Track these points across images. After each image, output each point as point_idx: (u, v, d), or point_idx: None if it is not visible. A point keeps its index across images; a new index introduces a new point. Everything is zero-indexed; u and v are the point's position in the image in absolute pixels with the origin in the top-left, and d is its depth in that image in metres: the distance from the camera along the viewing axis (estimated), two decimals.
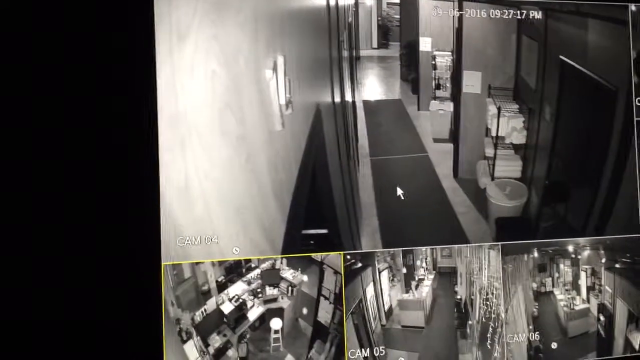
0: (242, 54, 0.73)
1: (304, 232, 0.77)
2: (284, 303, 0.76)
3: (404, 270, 0.81)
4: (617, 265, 0.87)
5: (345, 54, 0.82)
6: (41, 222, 0.67)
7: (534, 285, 0.85)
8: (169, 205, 0.70)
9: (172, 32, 0.70)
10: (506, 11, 0.84)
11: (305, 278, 0.77)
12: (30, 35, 0.68)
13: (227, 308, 0.73)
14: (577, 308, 0.86)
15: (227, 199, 0.72)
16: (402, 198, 0.82)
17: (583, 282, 0.87)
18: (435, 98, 0.86)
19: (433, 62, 0.86)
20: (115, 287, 0.69)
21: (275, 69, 0.74)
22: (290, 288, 0.76)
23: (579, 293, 0.87)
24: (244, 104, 0.73)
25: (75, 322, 0.68)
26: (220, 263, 0.73)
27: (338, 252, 0.78)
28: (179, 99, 0.71)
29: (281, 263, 0.76)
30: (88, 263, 0.68)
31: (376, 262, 0.80)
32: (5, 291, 0.66)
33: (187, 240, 0.71)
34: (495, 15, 0.84)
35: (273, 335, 0.75)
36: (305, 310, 0.78)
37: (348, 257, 0.78)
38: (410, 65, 0.86)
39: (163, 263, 0.71)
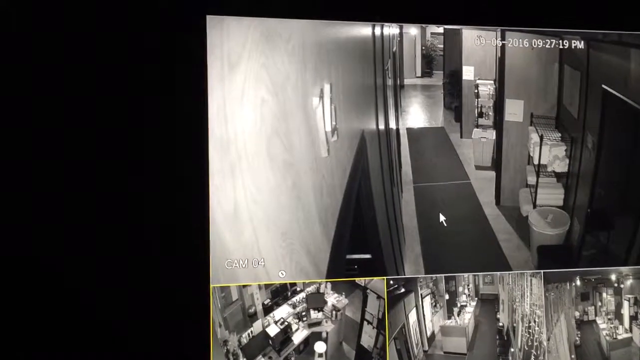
0: (290, 82, 0.75)
1: (348, 256, 0.78)
2: (328, 327, 0.77)
3: (447, 297, 0.82)
4: None
5: (390, 82, 0.83)
6: (97, 246, 0.70)
7: (577, 313, 0.84)
8: (218, 229, 0.72)
9: (224, 61, 0.73)
10: (548, 41, 0.85)
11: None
12: (95, 67, 0.71)
13: (273, 331, 0.74)
14: (619, 337, 0.86)
15: (273, 224, 0.74)
16: (445, 224, 0.83)
17: (626, 311, 0.86)
18: (477, 126, 0.87)
19: (476, 91, 0.87)
20: (164, 308, 0.70)
21: (322, 96, 0.76)
22: (334, 312, 0.77)
23: (621, 322, 0.86)
24: (291, 131, 0.75)
25: (124, 342, 0.69)
26: (267, 286, 0.75)
27: (381, 277, 0.79)
28: (229, 125, 0.73)
29: (325, 287, 0.77)
30: (138, 284, 0.70)
31: (419, 288, 0.81)
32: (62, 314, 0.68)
33: (235, 263, 0.73)
34: (538, 44, 0.85)
35: (317, 359, 0.76)
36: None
37: (391, 282, 0.79)
38: (453, 93, 0.87)
39: (211, 285, 0.72)
